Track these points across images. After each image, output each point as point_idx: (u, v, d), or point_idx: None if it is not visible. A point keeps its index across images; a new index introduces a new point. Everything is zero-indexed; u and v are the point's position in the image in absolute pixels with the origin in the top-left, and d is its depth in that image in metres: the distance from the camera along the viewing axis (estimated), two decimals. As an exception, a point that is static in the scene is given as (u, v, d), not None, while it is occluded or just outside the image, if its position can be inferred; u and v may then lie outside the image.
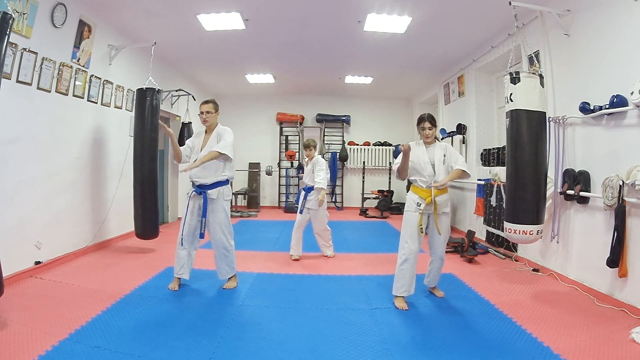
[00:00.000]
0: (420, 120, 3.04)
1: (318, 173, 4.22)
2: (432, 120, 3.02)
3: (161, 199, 6.18)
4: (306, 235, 4.43)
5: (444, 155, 2.99)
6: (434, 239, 3.05)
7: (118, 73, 4.82)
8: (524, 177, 3.02)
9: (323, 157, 4.54)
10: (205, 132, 3.29)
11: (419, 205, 2.94)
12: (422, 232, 2.94)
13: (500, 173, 4.67)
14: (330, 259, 4.41)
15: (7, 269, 3.06)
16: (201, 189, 3.15)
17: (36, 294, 2.97)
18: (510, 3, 3.28)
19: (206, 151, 3.11)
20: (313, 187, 4.27)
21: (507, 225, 3.09)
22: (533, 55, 3.80)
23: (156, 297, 3.03)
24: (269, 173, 8.44)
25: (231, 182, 3.37)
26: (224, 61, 6.38)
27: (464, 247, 4.49)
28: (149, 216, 4.29)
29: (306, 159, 4.50)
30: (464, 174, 2.94)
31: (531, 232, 2.99)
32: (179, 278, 3.25)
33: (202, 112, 3.21)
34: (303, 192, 4.38)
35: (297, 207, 4.46)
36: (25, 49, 3.27)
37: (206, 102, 3.25)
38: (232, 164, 3.24)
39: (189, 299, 3.04)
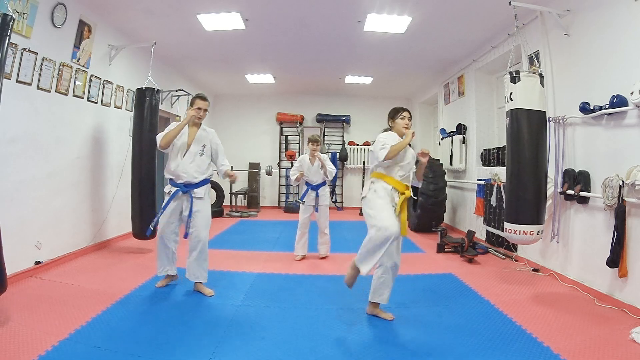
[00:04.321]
0: (400, 110, 2.78)
1: (330, 165, 4.21)
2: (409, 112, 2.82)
3: (161, 199, 6.17)
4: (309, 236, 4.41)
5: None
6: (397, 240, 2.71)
7: (118, 73, 4.82)
8: (524, 177, 3.02)
9: None
10: (189, 125, 3.13)
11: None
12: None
13: (500, 173, 4.67)
14: (330, 259, 4.40)
15: (7, 269, 3.04)
16: (187, 188, 3.07)
17: (36, 294, 2.97)
18: (510, 3, 3.28)
19: (196, 146, 3.07)
20: (322, 183, 4.29)
21: (507, 225, 3.09)
22: (533, 55, 3.80)
23: (156, 297, 3.03)
24: (269, 173, 8.44)
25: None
26: (224, 61, 6.38)
27: (464, 247, 4.48)
28: (147, 216, 4.27)
29: (309, 157, 4.29)
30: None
31: (531, 233, 2.99)
32: (168, 275, 3.27)
33: (199, 108, 3.09)
34: (310, 190, 4.27)
35: (298, 207, 4.41)
36: (25, 49, 3.28)
37: (204, 98, 3.15)
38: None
39: (188, 299, 3.04)
